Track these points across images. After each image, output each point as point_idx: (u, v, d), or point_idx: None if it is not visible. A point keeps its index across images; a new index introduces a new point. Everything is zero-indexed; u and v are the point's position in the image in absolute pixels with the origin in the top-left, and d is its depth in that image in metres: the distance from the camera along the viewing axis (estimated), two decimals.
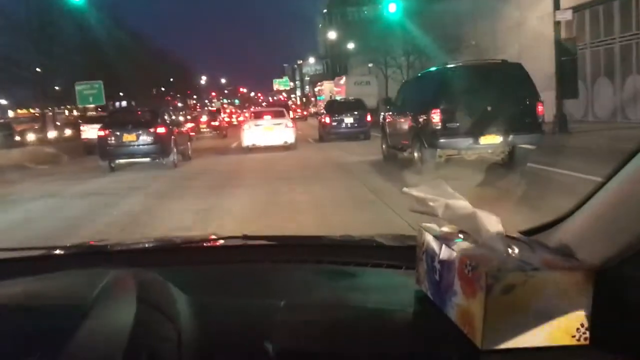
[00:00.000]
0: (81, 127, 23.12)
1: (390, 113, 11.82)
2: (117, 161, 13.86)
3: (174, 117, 16.97)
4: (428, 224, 1.10)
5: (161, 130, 13.85)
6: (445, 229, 1.07)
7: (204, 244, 1.68)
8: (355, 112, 20.21)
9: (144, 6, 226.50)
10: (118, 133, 13.71)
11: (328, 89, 48.52)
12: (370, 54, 37.78)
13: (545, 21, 17.52)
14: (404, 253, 1.31)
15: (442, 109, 8.66)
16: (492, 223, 0.95)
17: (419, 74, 12.46)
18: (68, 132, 32.45)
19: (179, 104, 69.93)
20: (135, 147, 13.72)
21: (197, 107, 51.86)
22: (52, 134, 32.87)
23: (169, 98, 65.19)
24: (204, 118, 30.26)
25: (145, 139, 13.71)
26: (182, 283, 1.14)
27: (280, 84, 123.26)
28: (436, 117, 8.64)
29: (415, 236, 1.14)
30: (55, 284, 1.10)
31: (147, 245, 1.75)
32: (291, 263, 1.47)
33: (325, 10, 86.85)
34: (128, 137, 13.73)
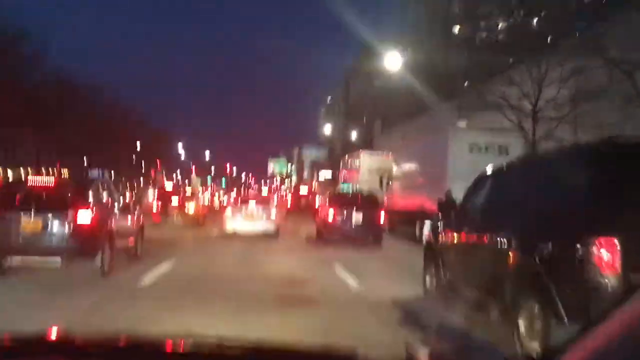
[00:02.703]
0: None
1: (454, 227, 6.77)
2: (11, 260, 8.89)
3: (116, 195, 11.86)
4: (416, 344, 1.11)
5: (84, 214, 8.98)
6: (436, 348, 1.43)
7: (177, 345, 1.55)
8: (367, 210, 15.54)
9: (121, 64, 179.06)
10: (13, 218, 8.83)
11: (367, 166, 24.85)
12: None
13: None
14: None
15: (622, 237, 3.73)
16: (489, 349, 1.57)
17: (533, 156, 6.98)
18: None
19: (165, 179, 63.56)
20: (40, 239, 8.80)
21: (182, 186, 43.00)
22: None
23: (153, 170, 59.17)
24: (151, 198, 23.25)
25: (56, 229, 8.82)
26: None
27: (276, 165, 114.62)
28: (608, 256, 3.76)
29: (404, 354, 1.15)
30: None
31: (112, 343, 1.61)
32: None
33: (330, 97, 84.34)
34: (29, 225, 8.83)
